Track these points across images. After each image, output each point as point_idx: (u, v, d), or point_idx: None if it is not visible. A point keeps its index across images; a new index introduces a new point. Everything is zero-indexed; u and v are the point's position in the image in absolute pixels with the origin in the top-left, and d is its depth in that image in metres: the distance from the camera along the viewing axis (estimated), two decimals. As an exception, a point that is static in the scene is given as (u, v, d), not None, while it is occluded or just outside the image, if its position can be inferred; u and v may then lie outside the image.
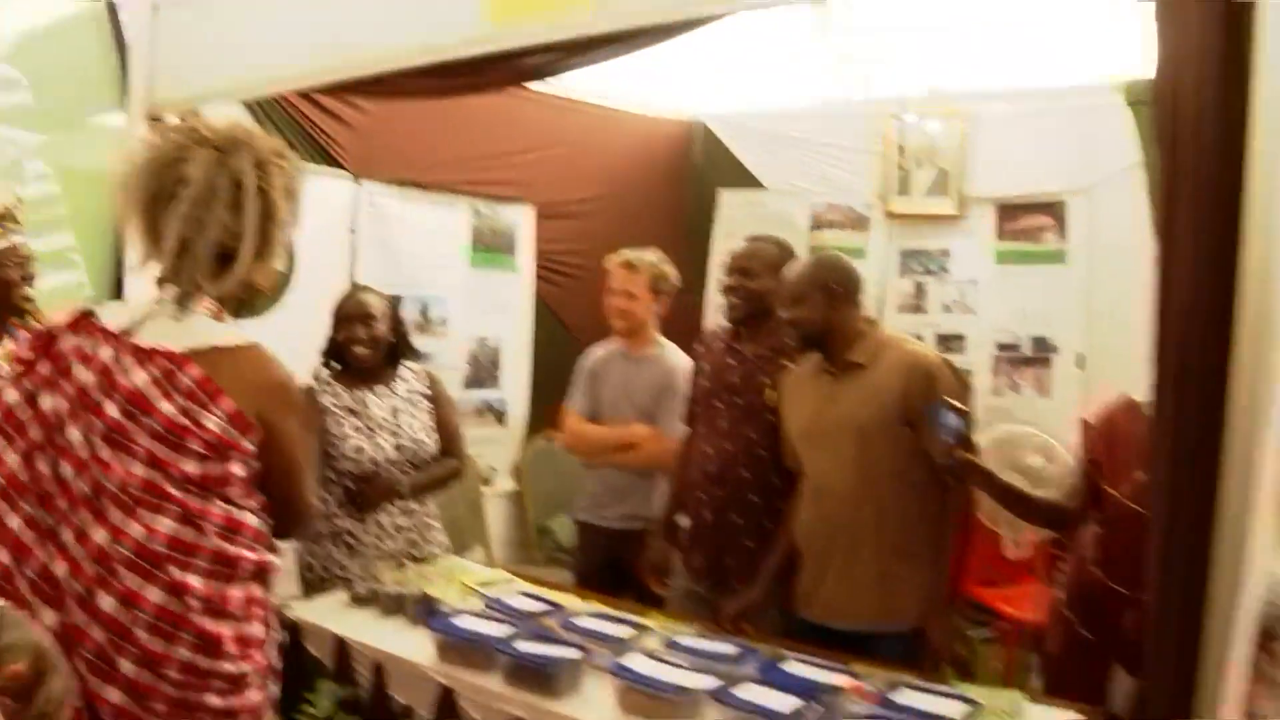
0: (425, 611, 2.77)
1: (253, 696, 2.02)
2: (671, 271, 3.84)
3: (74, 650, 1.88)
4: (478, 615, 2.68)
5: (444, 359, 4.62)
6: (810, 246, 5.27)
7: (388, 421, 3.20)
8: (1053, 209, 4.82)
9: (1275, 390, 1.63)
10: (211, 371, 1.95)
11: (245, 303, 2.15)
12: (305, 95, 3.86)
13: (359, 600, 2.95)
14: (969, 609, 4.88)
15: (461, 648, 2.52)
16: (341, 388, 3.24)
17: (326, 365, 3.31)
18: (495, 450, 4.97)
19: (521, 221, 4.94)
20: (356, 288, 3.35)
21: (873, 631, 2.80)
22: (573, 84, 5.02)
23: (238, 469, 1.98)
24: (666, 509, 3.44)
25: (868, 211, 5.27)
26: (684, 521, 3.35)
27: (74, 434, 1.93)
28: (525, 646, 2.43)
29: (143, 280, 2.06)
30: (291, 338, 2.22)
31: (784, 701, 2.17)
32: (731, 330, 3.32)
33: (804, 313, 2.85)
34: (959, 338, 5.13)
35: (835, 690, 2.28)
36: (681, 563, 3.35)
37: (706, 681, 2.27)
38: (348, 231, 4.18)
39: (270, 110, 3.89)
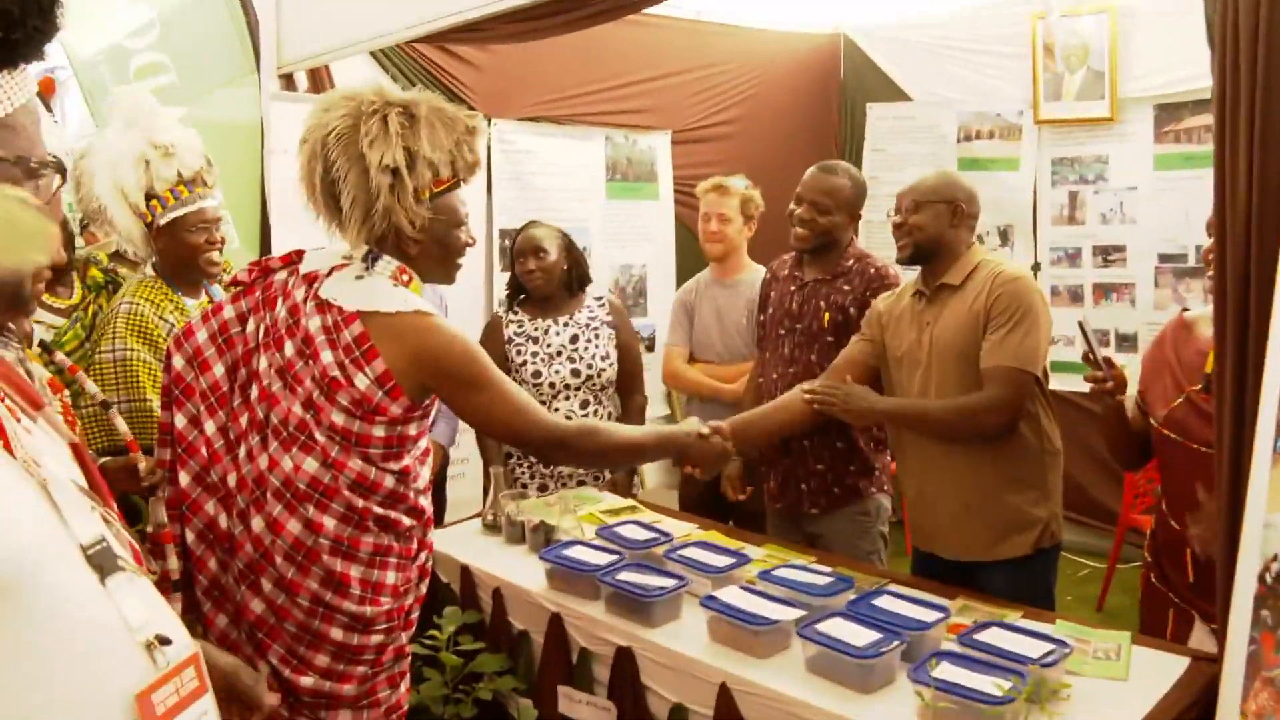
0: (542, 540, 2.94)
1: (374, 638, 2.15)
2: (758, 196, 3.91)
3: (233, 557, 2.12)
4: (587, 545, 2.79)
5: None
6: (959, 159, 5.13)
7: (566, 348, 3.46)
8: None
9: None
10: (372, 332, 2.04)
11: (422, 261, 2.15)
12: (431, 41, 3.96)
13: (488, 528, 3.15)
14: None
15: (567, 576, 2.65)
16: (526, 317, 3.55)
17: (513, 297, 3.62)
18: (646, 376, 5.05)
19: (659, 148, 4.96)
20: (529, 224, 3.58)
21: (988, 560, 2.74)
22: (711, 6, 5.00)
23: (380, 431, 2.06)
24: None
25: (1018, 119, 5.04)
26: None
27: (262, 361, 2.12)
28: (625, 576, 2.53)
29: (288, 236, 2.17)
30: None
31: (863, 636, 2.17)
32: (795, 258, 3.33)
33: (923, 220, 2.80)
34: (1119, 249, 4.89)
35: (921, 625, 2.25)
36: (764, 490, 3.37)
37: (792, 614, 2.32)
38: (481, 171, 4.28)
39: (397, 59, 4.02)
